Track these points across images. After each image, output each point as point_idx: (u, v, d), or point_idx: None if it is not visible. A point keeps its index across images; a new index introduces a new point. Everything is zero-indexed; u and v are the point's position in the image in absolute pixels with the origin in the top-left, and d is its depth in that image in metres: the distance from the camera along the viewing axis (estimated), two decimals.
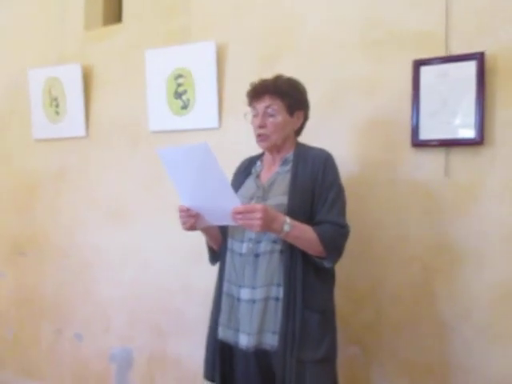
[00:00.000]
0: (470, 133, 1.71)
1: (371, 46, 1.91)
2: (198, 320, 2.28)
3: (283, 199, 1.44)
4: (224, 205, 1.34)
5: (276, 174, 1.53)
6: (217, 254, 1.64)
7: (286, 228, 1.35)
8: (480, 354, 1.72)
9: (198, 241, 2.28)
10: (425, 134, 1.78)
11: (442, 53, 1.77)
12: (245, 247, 1.47)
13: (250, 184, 1.58)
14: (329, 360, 1.46)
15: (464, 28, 1.75)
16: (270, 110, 1.50)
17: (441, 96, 1.76)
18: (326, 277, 1.50)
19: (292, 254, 1.43)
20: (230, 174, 2.20)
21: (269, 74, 2.11)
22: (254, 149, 2.14)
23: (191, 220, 1.45)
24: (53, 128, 2.70)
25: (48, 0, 2.79)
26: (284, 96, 1.50)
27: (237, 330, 1.46)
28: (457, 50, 1.75)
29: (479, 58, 1.68)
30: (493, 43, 1.70)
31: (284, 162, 1.54)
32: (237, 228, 1.48)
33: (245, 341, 1.42)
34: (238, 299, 1.47)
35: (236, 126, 2.20)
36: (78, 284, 2.65)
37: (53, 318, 2.73)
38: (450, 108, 1.74)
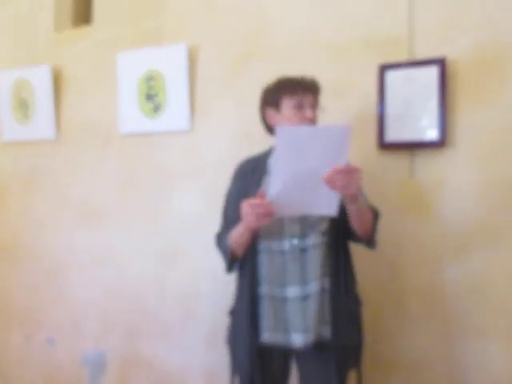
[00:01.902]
0: (433, 135, 1.78)
1: (341, 49, 1.97)
2: (172, 322, 2.29)
3: None
4: (326, 191, 1.31)
5: None
6: (237, 260, 1.56)
7: (363, 196, 1.36)
8: (447, 349, 1.78)
9: (172, 243, 2.31)
10: (390, 136, 1.84)
11: (406, 58, 1.84)
12: (287, 244, 1.46)
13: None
14: (363, 342, 1.55)
15: (427, 35, 1.82)
16: (312, 107, 1.51)
17: (405, 99, 1.82)
18: (353, 266, 1.57)
19: (337, 245, 1.48)
20: (203, 175, 2.24)
21: (241, 77, 2.16)
22: (226, 151, 2.18)
23: (271, 214, 1.34)
24: (22, 130, 2.67)
25: (17, 0, 2.76)
26: (318, 96, 1.54)
27: (286, 331, 1.45)
28: (420, 56, 1.82)
29: (441, 63, 1.75)
30: (454, 49, 1.77)
31: None
32: (272, 226, 1.45)
33: (300, 339, 1.42)
34: (284, 299, 1.45)
35: (208, 129, 2.23)
36: (49, 287, 2.62)
37: (24, 322, 2.69)
38: (414, 111, 1.81)
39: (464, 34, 1.77)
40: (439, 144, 1.77)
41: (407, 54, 1.84)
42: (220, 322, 2.11)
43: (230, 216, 1.56)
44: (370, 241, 1.51)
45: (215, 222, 2.18)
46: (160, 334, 2.32)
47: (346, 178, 1.27)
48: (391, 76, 1.84)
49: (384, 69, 1.85)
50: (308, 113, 1.48)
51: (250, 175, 1.58)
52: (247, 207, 1.35)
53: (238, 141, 2.16)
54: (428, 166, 1.81)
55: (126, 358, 2.40)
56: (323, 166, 1.28)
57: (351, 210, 1.39)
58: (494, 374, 1.72)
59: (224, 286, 2.07)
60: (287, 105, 1.50)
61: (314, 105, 1.52)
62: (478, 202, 1.75)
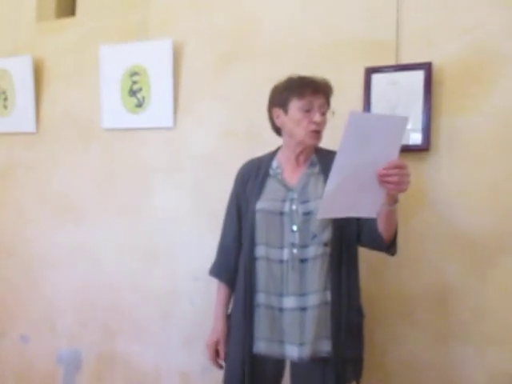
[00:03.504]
0: (416, 139, 1.78)
1: (328, 51, 1.96)
2: (149, 320, 2.26)
3: None
4: (374, 190, 1.23)
5: (306, 176, 1.48)
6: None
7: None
8: (438, 353, 1.78)
9: (152, 240, 2.28)
10: None
11: (392, 62, 1.84)
12: (286, 253, 1.41)
13: (274, 186, 1.49)
14: (363, 355, 1.49)
15: (413, 40, 1.83)
16: (322, 109, 1.45)
17: (390, 103, 1.82)
18: (358, 277, 1.51)
19: (340, 256, 1.42)
20: (185, 173, 2.21)
21: (226, 74, 2.14)
22: (209, 149, 2.15)
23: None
24: (1, 122, 2.59)
25: None
26: (329, 99, 1.49)
27: (281, 342, 1.41)
28: (406, 60, 1.82)
29: (426, 68, 1.76)
30: (440, 55, 1.78)
31: (311, 164, 1.50)
32: (272, 234, 1.43)
33: (295, 352, 1.38)
34: (280, 309, 1.41)
35: (191, 126, 2.20)
36: (25, 283, 2.56)
37: None
38: (399, 115, 1.80)
39: (450, 39, 1.78)
40: (423, 148, 1.78)
41: (394, 58, 1.84)
42: (197, 322, 2.09)
43: (227, 229, 1.60)
44: (392, 245, 1.42)
45: (196, 221, 2.18)
46: (136, 333, 2.29)
47: (401, 175, 1.20)
48: (377, 79, 1.84)
49: (370, 72, 1.84)
50: (316, 116, 1.42)
51: (253, 176, 1.54)
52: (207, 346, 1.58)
53: (222, 139, 2.14)
54: (411, 170, 1.79)
55: (102, 357, 2.36)
56: (377, 161, 1.20)
57: (387, 210, 1.30)
58: (480, 378, 1.73)
59: (203, 285, 2.05)
60: (295, 106, 1.44)
61: (324, 108, 1.46)
62: (461, 207, 1.76)
